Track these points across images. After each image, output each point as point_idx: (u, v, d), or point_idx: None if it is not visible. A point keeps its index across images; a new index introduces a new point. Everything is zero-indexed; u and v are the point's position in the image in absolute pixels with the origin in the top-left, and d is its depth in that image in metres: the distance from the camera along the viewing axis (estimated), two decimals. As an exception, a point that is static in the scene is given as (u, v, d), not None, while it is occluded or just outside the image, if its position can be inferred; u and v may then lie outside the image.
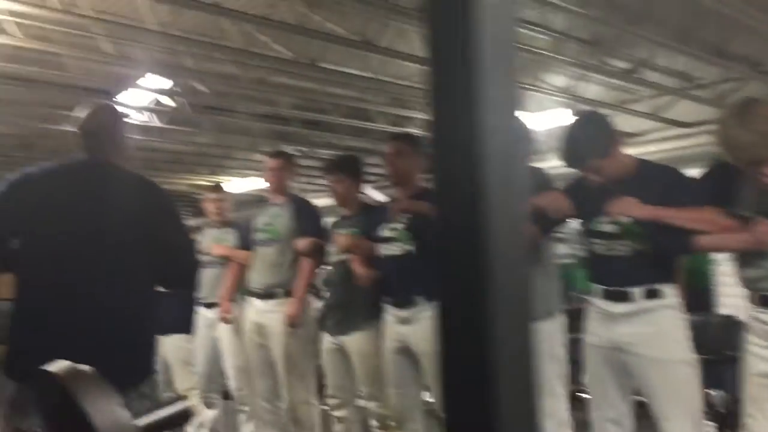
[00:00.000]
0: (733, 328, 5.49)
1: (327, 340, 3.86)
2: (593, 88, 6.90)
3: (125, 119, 2.67)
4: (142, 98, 7.23)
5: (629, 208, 2.59)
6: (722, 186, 2.51)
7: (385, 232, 3.50)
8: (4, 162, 9.96)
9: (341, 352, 3.79)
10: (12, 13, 5.16)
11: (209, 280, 4.58)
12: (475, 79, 0.45)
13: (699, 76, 6.97)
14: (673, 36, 5.48)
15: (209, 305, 4.55)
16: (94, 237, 2.21)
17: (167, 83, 6.92)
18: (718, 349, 5.28)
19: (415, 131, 7.89)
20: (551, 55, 6.06)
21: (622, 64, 6.74)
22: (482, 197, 0.45)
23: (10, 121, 8.14)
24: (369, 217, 3.78)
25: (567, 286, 6.41)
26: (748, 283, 2.50)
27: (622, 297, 2.71)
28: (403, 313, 3.38)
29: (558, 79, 7.35)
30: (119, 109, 2.73)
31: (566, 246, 7.41)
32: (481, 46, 0.46)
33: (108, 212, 2.25)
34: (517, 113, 0.49)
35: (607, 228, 2.76)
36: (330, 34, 5.66)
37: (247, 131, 9.45)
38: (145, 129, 8.43)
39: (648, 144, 7.28)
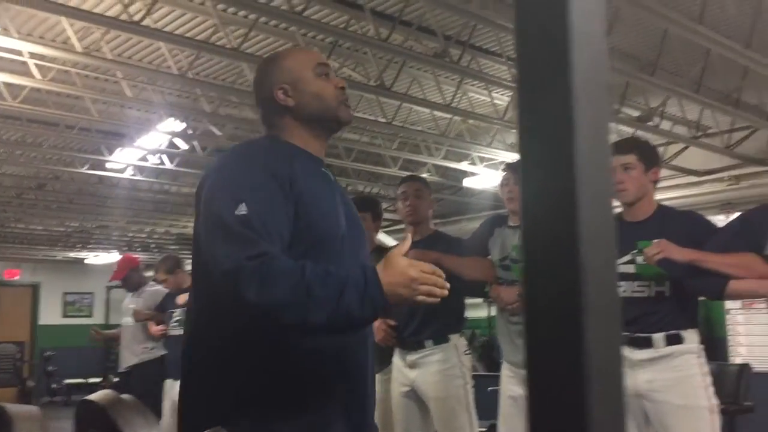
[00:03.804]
0: (748, 377, 5.45)
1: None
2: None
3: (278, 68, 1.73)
4: (159, 141, 7.32)
5: (667, 250, 2.57)
6: (753, 231, 2.51)
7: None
8: (17, 203, 10.06)
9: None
10: (33, 55, 5.28)
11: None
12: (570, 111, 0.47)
13: (709, 124, 7.03)
14: (685, 84, 5.54)
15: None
16: None
17: (182, 126, 7.01)
18: (733, 397, 5.23)
19: (427, 176, 7.95)
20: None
21: (633, 112, 6.81)
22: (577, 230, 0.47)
23: (25, 162, 8.24)
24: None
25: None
26: None
27: (644, 343, 2.70)
28: (412, 356, 3.37)
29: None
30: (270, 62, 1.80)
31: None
32: (574, 71, 0.48)
33: None
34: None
35: (626, 269, 2.76)
36: (346, 79, 5.75)
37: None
38: (158, 171, 8.53)
39: (658, 192, 7.29)
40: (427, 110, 6.84)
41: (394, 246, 1.56)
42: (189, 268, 5.30)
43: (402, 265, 1.43)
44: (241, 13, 5.02)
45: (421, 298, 1.44)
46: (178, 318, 4.82)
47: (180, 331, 4.81)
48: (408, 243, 1.51)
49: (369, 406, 1.68)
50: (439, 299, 1.47)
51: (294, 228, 1.50)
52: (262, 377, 1.50)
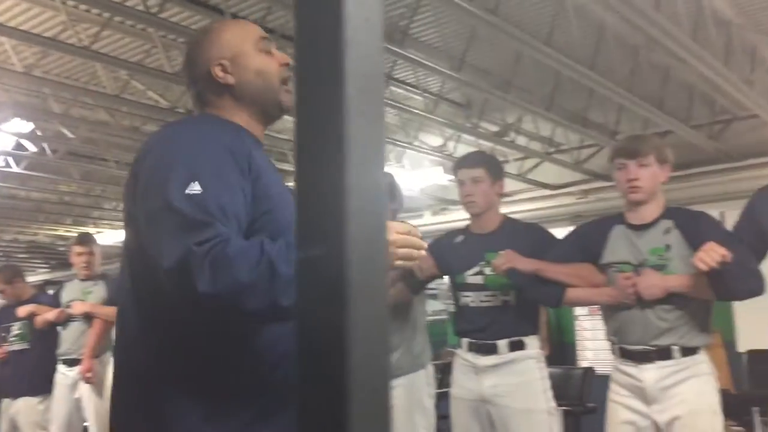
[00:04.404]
0: (592, 379, 5.78)
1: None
2: (464, 148, 7.19)
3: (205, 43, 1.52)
4: (3, 143, 6.83)
5: (513, 261, 2.67)
6: (589, 243, 2.65)
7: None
8: None
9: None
10: None
11: (72, 336, 4.33)
12: (342, 126, 0.47)
13: (561, 141, 7.44)
14: (538, 102, 5.83)
15: (71, 363, 4.28)
16: None
17: (30, 127, 6.58)
18: (578, 399, 5.53)
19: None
20: (426, 115, 6.28)
21: (491, 127, 7.08)
22: (344, 253, 0.47)
23: None
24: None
25: (438, 342, 6.55)
26: (611, 336, 2.63)
27: (489, 349, 2.79)
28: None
29: (432, 139, 7.62)
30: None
31: (438, 302, 7.59)
32: (349, 97, 0.49)
33: None
34: (383, 169, 0.52)
35: (475, 280, 2.86)
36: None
37: (117, 180, 9.11)
38: (4, 175, 7.96)
39: (514, 204, 7.62)
40: (291, 118, 6.80)
41: None
42: (31, 278, 5.02)
43: None
44: (94, 10, 4.79)
45: (399, 262, 1.27)
46: (17, 332, 4.50)
47: (20, 346, 4.49)
48: None
49: None
50: (417, 261, 1.32)
51: (253, 213, 1.29)
52: (214, 388, 1.29)
